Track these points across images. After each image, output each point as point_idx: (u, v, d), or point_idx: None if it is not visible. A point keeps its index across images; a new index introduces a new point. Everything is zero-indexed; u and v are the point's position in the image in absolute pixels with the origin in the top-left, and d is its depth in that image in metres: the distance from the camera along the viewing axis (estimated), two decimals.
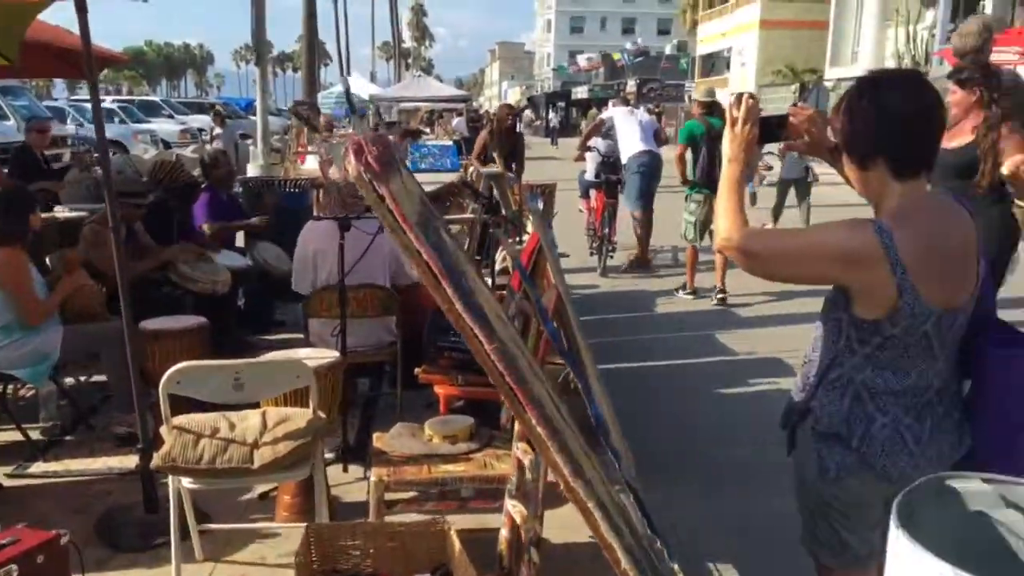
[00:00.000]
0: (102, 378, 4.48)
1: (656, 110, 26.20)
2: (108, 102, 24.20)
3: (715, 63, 39.20)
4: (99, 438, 4.26)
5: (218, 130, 17.13)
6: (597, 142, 9.19)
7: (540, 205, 6.48)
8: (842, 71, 21.34)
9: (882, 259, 1.75)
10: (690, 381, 5.40)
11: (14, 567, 2.34)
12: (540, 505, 1.68)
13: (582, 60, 57.14)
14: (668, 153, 8.71)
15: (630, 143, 8.57)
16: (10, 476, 3.85)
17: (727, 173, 2.05)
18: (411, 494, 3.13)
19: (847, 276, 1.84)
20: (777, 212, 10.74)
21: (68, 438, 4.30)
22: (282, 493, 3.51)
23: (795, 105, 2.21)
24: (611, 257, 8.91)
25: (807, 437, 1.98)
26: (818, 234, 1.92)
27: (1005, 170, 4.01)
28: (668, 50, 51.69)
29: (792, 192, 10.83)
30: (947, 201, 1.97)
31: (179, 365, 2.83)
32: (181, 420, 2.93)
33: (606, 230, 8.70)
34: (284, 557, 3.17)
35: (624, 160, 8.64)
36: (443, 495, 3.05)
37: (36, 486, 3.80)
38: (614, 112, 9.23)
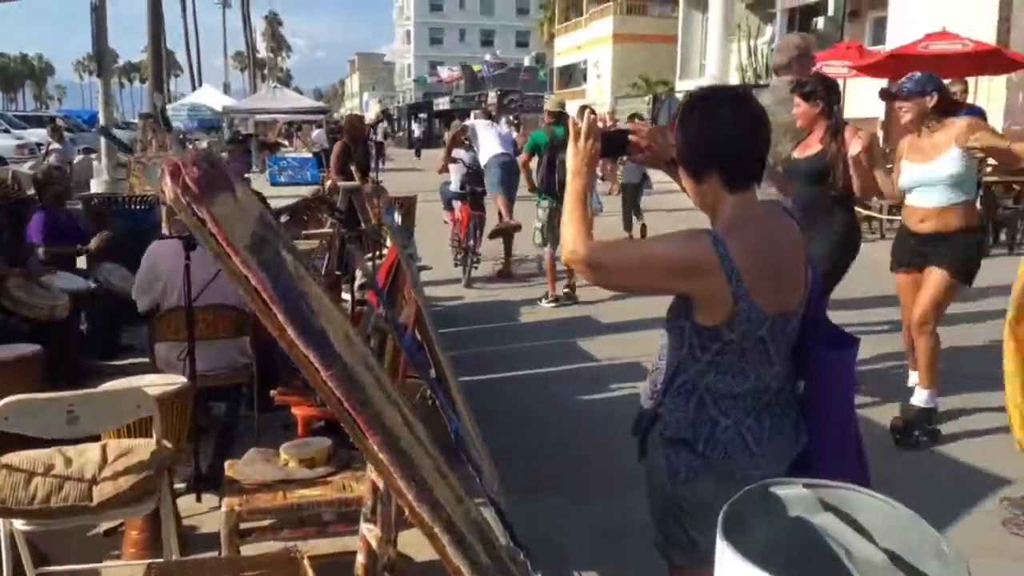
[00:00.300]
0: None
1: (515, 122, 26.59)
2: None
3: (572, 75, 40.11)
4: None
5: (55, 145, 16.15)
6: (461, 153, 9.25)
7: (397, 218, 6.44)
8: (691, 83, 22.27)
9: (718, 268, 1.82)
10: (553, 388, 5.48)
11: None
12: (393, 528, 1.65)
13: (443, 72, 57.23)
14: None
15: (489, 148, 8.72)
16: None
17: (571, 187, 2.08)
18: (269, 521, 3.03)
19: (686, 285, 1.91)
20: (627, 220, 10.97)
21: None
22: (129, 529, 3.32)
23: (633, 119, 2.28)
24: (476, 268, 8.97)
25: (656, 443, 2.03)
26: (657, 245, 1.99)
27: (852, 152, 4.34)
28: (527, 62, 52.51)
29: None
30: (777, 211, 2.07)
31: (6, 400, 2.63)
32: (10, 458, 2.72)
33: (471, 241, 8.75)
34: None
35: (484, 163, 8.77)
36: (302, 521, 2.96)
37: None
38: (476, 123, 9.33)
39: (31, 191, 6.55)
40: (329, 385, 1.36)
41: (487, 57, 53.10)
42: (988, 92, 12.17)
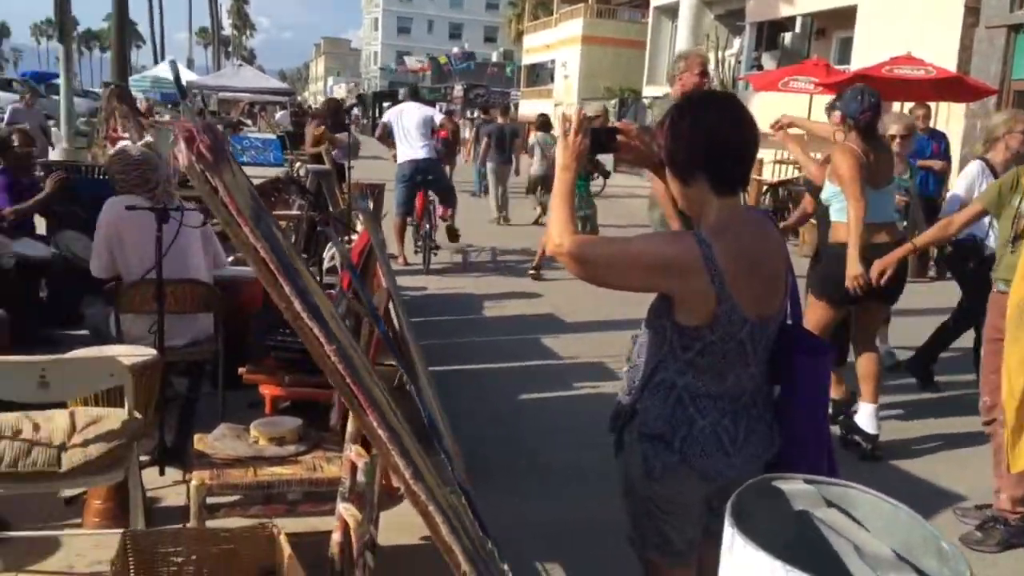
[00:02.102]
0: None
1: (485, 116, 26.53)
2: None
3: (540, 74, 40.15)
4: None
5: (18, 105, 15.61)
6: None
7: (370, 205, 6.44)
8: (657, 89, 22.47)
9: (702, 269, 1.88)
10: (516, 384, 5.51)
11: None
12: (376, 508, 1.68)
13: (411, 61, 56.95)
14: None
15: (402, 150, 8.91)
16: None
17: (559, 181, 2.13)
18: (235, 498, 3.03)
19: (669, 284, 1.96)
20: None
21: None
22: (91, 498, 3.30)
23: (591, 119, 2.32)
24: (435, 254, 9.20)
25: (633, 439, 2.06)
26: (643, 243, 2.04)
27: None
28: (495, 57, 52.44)
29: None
30: (760, 216, 2.15)
31: None
32: None
33: (427, 226, 8.96)
34: (96, 566, 2.98)
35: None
36: (269, 499, 2.96)
37: None
38: (390, 119, 9.32)
39: None
40: (332, 360, 1.38)
41: (454, 50, 52.93)
42: (947, 118, 12.51)
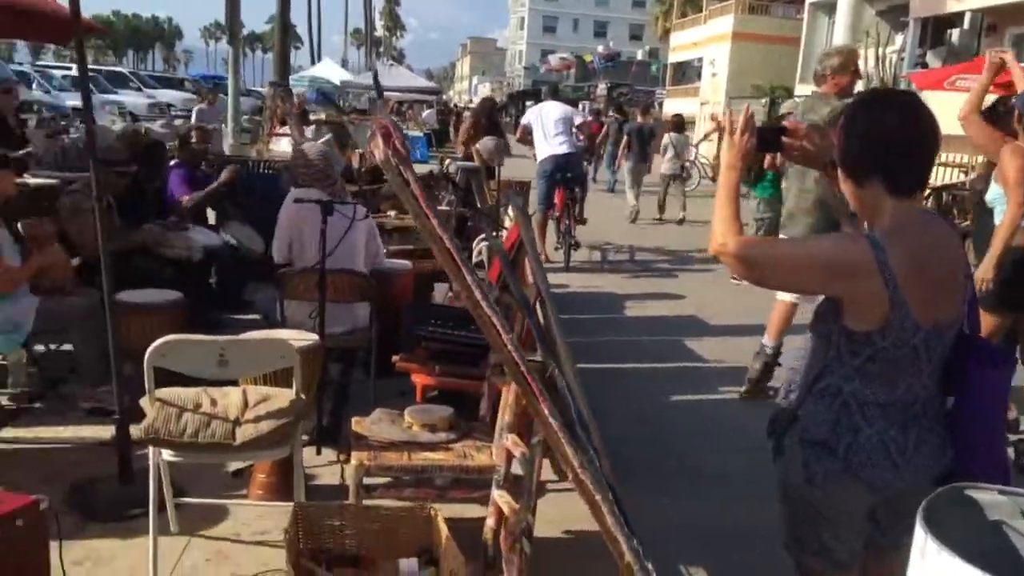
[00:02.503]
0: (71, 347, 4.46)
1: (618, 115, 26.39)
2: (75, 70, 23.69)
3: (686, 72, 39.47)
4: (70, 408, 4.22)
5: (203, 106, 16.59)
6: None
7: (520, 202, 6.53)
8: (810, 88, 21.74)
9: (875, 272, 1.82)
10: (661, 385, 5.48)
11: None
12: (534, 496, 1.72)
13: (554, 60, 57.24)
14: None
15: (541, 147, 9.01)
16: None
17: (724, 180, 2.11)
18: (385, 480, 3.16)
19: (841, 287, 1.90)
20: (661, 204, 13.23)
21: (37, 406, 4.25)
22: (256, 472, 3.52)
23: (779, 117, 2.29)
24: (575, 250, 9.23)
25: (794, 444, 2.01)
26: (814, 245, 2.00)
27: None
28: (640, 55, 51.95)
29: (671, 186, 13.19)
30: (937, 219, 2.05)
31: (166, 338, 2.83)
32: (164, 393, 2.92)
33: (567, 222, 9.05)
34: (258, 535, 3.18)
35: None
36: (420, 483, 3.08)
37: (5, 452, 3.76)
38: (530, 120, 9.37)
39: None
40: (509, 348, 1.43)
41: (599, 48, 52.78)
42: None
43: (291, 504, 2.67)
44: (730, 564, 3.31)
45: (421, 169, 8.92)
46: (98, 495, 3.32)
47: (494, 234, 5.66)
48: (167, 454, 2.86)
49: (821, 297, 2.05)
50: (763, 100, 25.13)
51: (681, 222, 12.82)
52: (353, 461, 2.90)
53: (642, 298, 7.88)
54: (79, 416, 4.12)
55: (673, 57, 41.35)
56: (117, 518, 3.19)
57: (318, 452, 3.91)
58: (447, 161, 8.85)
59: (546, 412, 1.43)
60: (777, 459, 2.10)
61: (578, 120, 9.31)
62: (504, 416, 2.22)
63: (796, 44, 27.27)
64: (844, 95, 4.73)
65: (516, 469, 2.20)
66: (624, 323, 7.13)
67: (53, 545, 2.45)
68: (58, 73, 22.52)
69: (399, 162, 1.40)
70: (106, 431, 3.85)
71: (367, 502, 2.89)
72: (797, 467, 2.00)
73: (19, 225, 5.17)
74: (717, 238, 2.01)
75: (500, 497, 2.16)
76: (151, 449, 2.85)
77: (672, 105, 33.54)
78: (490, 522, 2.23)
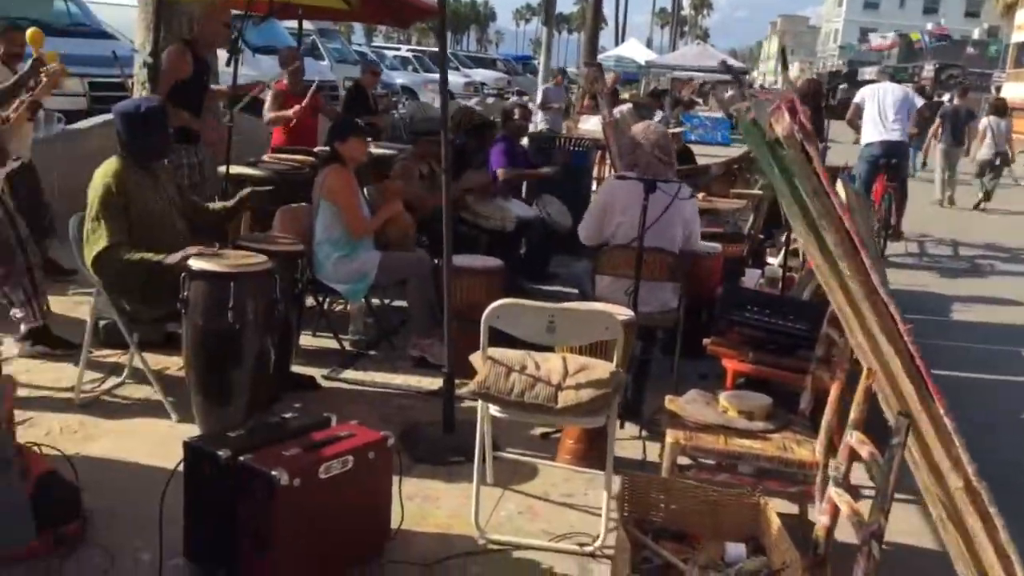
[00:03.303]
0: (402, 303, 4.87)
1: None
2: (403, 51, 25.88)
3: None
4: (399, 357, 4.62)
5: (549, 86, 16.75)
6: None
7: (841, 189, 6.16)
8: None
9: None
10: (991, 395, 4.96)
11: (350, 458, 2.60)
12: (889, 500, 1.60)
13: (875, 38, 53.19)
14: None
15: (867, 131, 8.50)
16: (325, 378, 4.28)
17: None
18: (686, 461, 3.11)
19: None
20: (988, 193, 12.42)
21: (372, 353, 4.71)
22: (565, 437, 3.63)
23: None
24: (893, 241, 8.76)
25: None
26: None
27: None
28: (976, 35, 46.83)
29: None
30: None
31: (502, 301, 2.98)
32: (494, 352, 3.08)
33: (883, 211, 8.49)
34: (565, 497, 3.28)
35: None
36: (734, 469, 3.00)
37: (346, 391, 4.20)
38: (864, 96, 8.78)
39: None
40: (905, 339, 1.33)
41: (928, 26, 48.25)
42: None
43: (599, 472, 2.71)
44: None
45: (722, 153, 8.72)
46: (426, 440, 3.60)
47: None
48: (494, 409, 3.01)
49: None
50: None
51: (977, 207, 12.31)
52: (669, 439, 2.89)
53: (967, 300, 7.16)
54: (407, 366, 4.49)
55: (1017, 36, 36.71)
56: (441, 462, 3.44)
57: (621, 426, 3.95)
58: None
59: (942, 412, 1.31)
60: None
61: (919, 103, 8.68)
62: (853, 412, 2.09)
63: None
64: None
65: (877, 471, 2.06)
66: (949, 326, 6.50)
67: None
68: (389, 53, 24.63)
69: (804, 137, 1.34)
70: (430, 382, 4.18)
71: (693, 481, 2.87)
72: None
73: (364, 190, 5.75)
74: None
75: (839, 496, 2.04)
76: (480, 403, 3.02)
77: (1013, 89, 29.90)
78: (823, 520, 2.12)
